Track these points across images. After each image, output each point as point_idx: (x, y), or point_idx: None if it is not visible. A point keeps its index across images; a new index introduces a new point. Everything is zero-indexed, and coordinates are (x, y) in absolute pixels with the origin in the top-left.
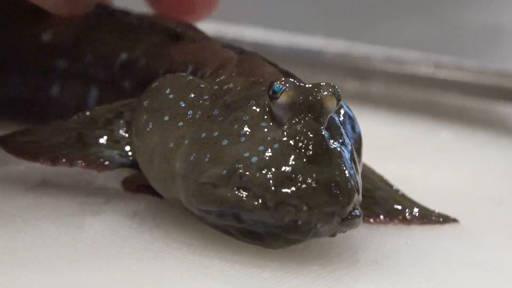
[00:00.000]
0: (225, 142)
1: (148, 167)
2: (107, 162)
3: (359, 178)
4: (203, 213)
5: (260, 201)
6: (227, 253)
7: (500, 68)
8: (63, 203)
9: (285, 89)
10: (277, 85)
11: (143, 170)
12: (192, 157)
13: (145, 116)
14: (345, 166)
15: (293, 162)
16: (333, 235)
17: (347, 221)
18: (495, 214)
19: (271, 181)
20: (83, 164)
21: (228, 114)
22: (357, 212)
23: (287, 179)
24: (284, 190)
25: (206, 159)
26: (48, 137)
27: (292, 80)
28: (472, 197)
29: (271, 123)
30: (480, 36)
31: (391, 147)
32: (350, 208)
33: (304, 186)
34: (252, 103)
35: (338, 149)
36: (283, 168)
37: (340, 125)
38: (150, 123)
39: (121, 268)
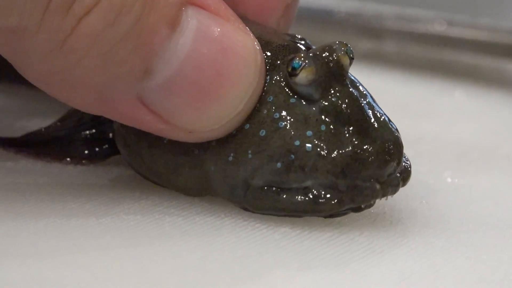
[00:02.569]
0: (263, 133)
1: (173, 178)
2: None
3: None
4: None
5: (336, 199)
6: (238, 215)
7: None
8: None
9: (305, 65)
10: (296, 62)
11: (163, 180)
12: (230, 157)
13: None
14: (384, 118)
15: (348, 141)
16: None
17: (407, 180)
18: (511, 172)
19: (337, 166)
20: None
21: None
22: (407, 162)
23: (351, 160)
24: (353, 173)
25: (249, 155)
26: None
27: (308, 52)
28: (487, 155)
29: (301, 100)
30: None
31: (403, 105)
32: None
33: (368, 162)
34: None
35: (371, 104)
36: (342, 150)
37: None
38: None
39: (127, 228)
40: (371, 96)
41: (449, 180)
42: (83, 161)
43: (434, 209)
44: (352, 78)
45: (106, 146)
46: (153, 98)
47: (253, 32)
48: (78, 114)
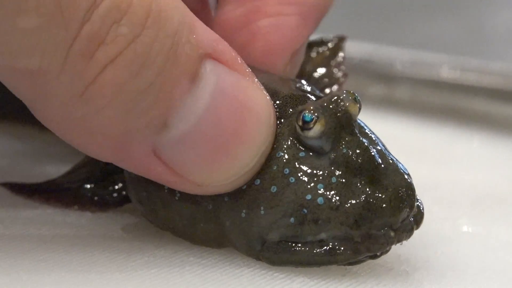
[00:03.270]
0: (274, 189)
1: (190, 233)
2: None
3: None
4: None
5: (351, 250)
6: (257, 264)
7: None
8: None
9: (316, 119)
10: (307, 115)
11: (180, 234)
12: (243, 214)
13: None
14: (395, 164)
15: (360, 191)
16: None
17: (420, 223)
18: None
19: (350, 218)
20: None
21: None
22: (421, 206)
23: (364, 210)
24: (366, 223)
25: (262, 211)
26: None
27: (316, 103)
28: (502, 203)
29: (310, 153)
30: (507, 38)
31: (418, 152)
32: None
33: (381, 211)
34: None
35: (381, 151)
36: (354, 201)
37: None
38: (177, 191)
39: (149, 276)
40: (381, 142)
41: (464, 228)
42: (92, 209)
43: (450, 258)
44: (361, 124)
45: (116, 195)
46: (167, 151)
47: (259, 80)
48: (89, 166)
